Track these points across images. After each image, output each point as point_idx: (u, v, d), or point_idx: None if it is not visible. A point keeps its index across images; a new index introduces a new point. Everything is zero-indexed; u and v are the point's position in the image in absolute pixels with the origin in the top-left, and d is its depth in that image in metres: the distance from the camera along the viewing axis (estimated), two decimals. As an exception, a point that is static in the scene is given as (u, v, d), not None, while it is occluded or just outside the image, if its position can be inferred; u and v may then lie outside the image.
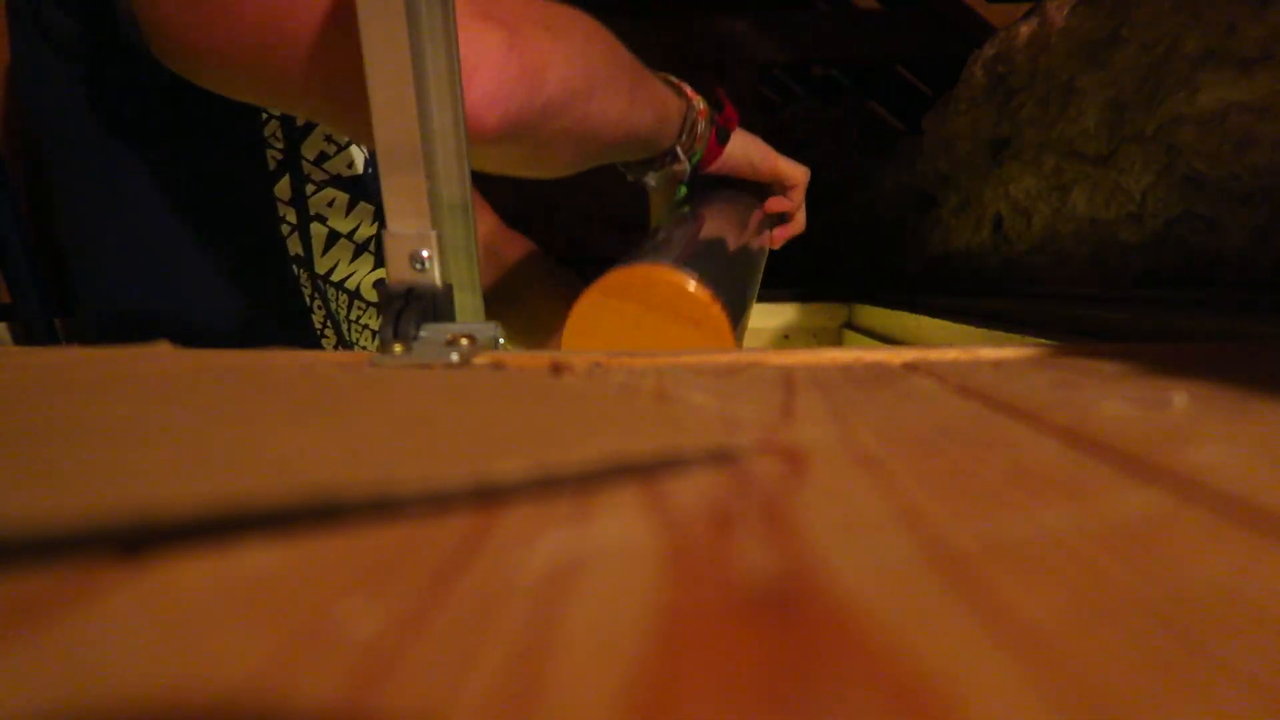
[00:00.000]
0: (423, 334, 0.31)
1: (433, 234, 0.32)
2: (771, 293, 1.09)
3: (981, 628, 0.08)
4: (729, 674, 0.07)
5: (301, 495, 0.11)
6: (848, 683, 0.07)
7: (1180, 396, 0.19)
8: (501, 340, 0.32)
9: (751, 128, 0.61)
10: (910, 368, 0.25)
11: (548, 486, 0.12)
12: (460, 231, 0.36)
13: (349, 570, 0.09)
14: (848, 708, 0.07)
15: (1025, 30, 0.76)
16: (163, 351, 0.28)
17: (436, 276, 0.32)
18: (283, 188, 0.54)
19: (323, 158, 0.54)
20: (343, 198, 0.56)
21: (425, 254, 0.32)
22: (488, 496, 0.12)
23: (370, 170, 0.57)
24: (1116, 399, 0.19)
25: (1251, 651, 0.07)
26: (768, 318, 1.04)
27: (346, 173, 0.55)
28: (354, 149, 0.55)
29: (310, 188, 0.55)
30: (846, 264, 1.54)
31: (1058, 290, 0.68)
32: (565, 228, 2.15)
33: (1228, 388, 0.20)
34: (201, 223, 0.52)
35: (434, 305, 0.32)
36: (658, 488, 0.13)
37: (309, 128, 0.53)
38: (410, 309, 0.31)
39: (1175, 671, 0.07)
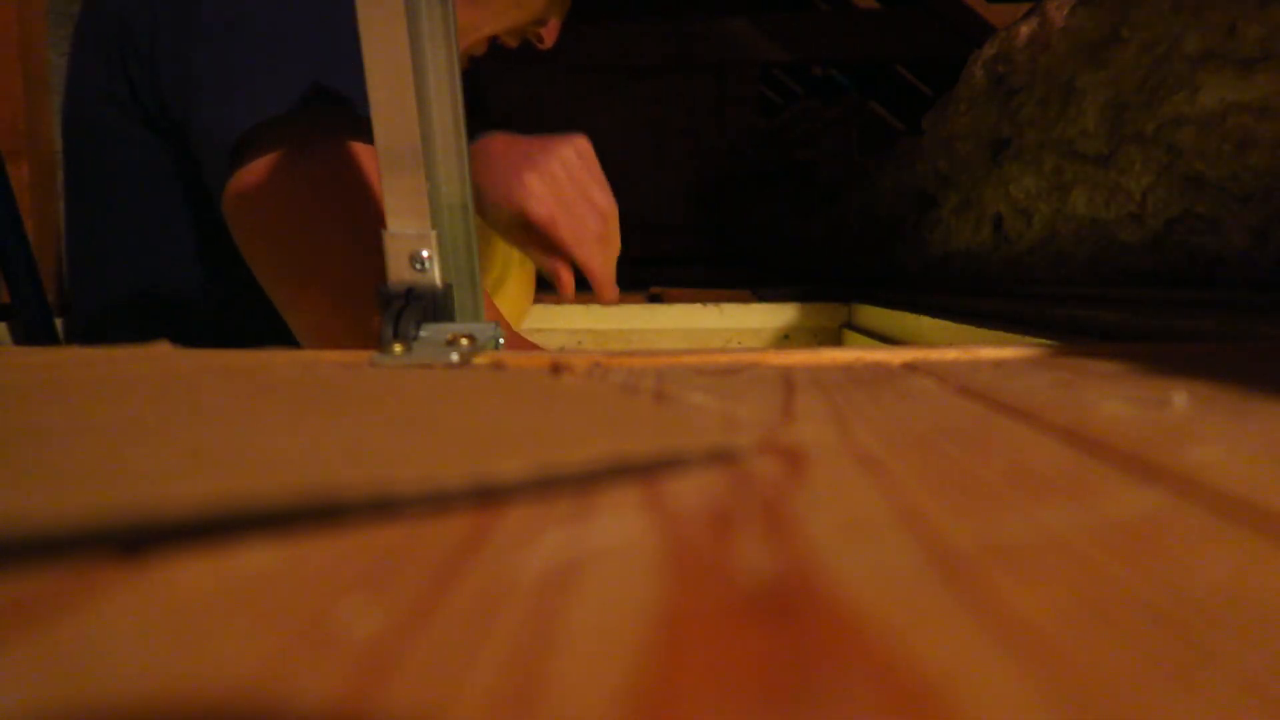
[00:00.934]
0: (423, 334, 0.31)
1: (432, 234, 0.32)
2: (771, 293, 1.09)
3: (981, 628, 0.08)
4: (729, 673, 0.07)
5: (301, 495, 0.11)
6: (847, 682, 0.07)
7: (1180, 396, 0.19)
8: (501, 340, 0.32)
9: (753, 127, 0.61)
10: (910, 368, 0.25)
11: (548, 486, 0.12)
12: (460, 231, 0.36)
13: (349, 570, 0.09)
14: (847, 707, 0.07)
15: (1025, 30, 0.76)
16: (163, 351, 0.28)
17: (436, 276, 0.32)
18: None
19: None
20: None
21: (425, 254, 0.32)
22: (488, 496, 0.12)
23: None
24: (1116, 399, 0.19)
25: (1251, 652, 0.07)
26: (768, 318, 1.04)
27: None
28: None
29: None
30: (846, 264, 1.54)
31: (1058, 290, 0.68)
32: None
33: (1228, 388, 0.20)
34: (211, 226, 0.53)
35: (434, 305, 0.32)
36: (658, 488, 0.13)
37: None
38: (410, 309, 0.31)
39: (1175, 671, 0.07)
